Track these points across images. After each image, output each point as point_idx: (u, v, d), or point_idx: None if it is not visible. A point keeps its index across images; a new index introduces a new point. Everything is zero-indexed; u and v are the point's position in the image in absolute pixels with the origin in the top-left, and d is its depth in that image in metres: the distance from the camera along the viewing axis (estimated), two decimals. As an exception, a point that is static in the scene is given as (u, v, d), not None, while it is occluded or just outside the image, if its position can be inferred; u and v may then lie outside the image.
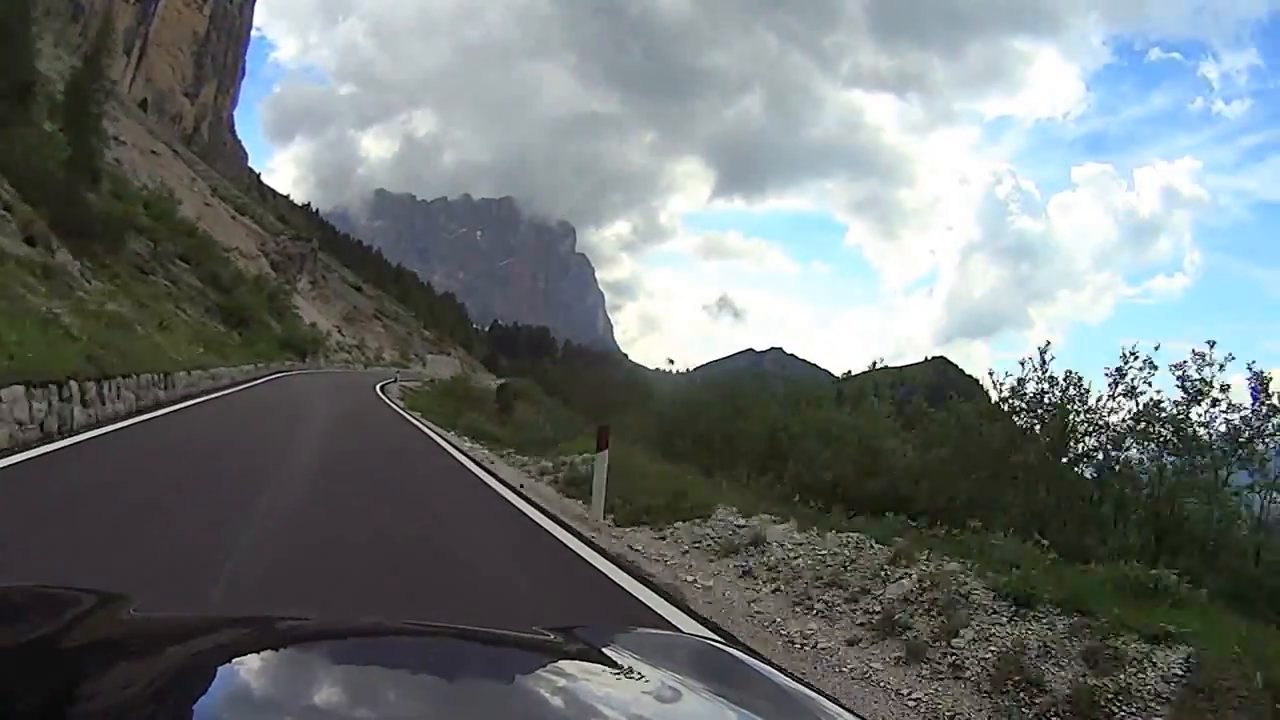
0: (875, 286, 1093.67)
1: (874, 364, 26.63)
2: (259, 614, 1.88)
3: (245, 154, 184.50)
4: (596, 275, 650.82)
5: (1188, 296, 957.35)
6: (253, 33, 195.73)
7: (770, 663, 1.81)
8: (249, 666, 1.32)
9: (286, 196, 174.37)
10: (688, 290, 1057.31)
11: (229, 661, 1.36)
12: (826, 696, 1.54)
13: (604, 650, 1.57)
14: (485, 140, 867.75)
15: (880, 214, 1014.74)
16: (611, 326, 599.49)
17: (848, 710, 1.52)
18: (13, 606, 1.58)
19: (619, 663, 1.49)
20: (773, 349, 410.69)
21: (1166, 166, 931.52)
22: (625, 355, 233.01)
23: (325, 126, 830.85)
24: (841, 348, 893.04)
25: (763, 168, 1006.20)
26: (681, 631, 5.23)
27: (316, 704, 1.19)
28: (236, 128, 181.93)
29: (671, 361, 44.04)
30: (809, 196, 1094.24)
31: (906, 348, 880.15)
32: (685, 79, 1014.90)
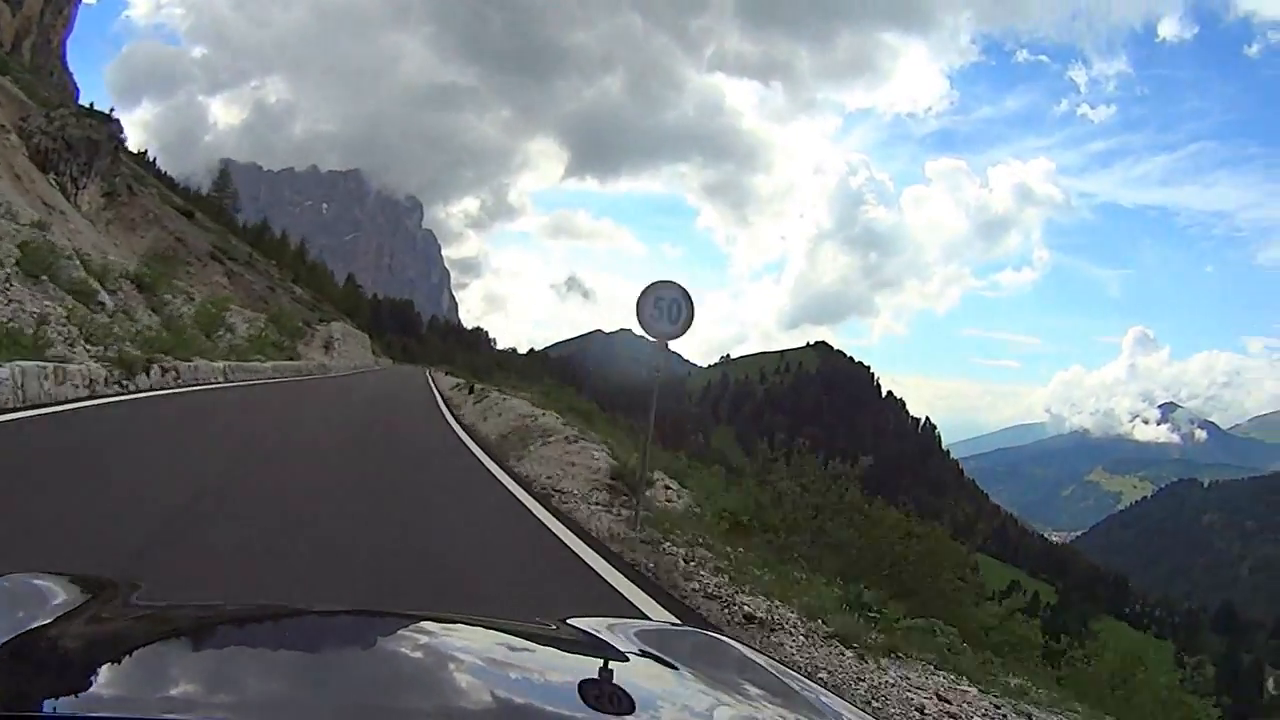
0: (725, 271, 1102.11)
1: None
2: (267, 603, 1.88)
3: (77, 90, 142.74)
4: (443, 252, 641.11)
5: (1034, 291, 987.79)
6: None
7: (767, 654, 1.84)
8: (251, 655, 1.36)
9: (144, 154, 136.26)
10: (536, 269, 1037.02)
11: (229, 648, 1.40)
12: (825, 686, 1.64)
13: (600, 639, 1.66)
14: (337, 110, 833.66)
15: (734, 199, 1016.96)
16: (456, 305, 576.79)
17: (846, 701, 1.61)
18: (16, 594, 1.56)
19: (617, 651, 1.56)
20: (622, 330, 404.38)
21: (1021, 166, 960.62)
22: (486, 333, 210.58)
23: (174, 90, 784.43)
24: (690, 330, 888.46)
25: (618, 149, 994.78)
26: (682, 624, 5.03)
27: (321, 692, 1.19)
28: (70, 66, 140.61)
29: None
30: (662, 179, 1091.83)
31: (753, 331, 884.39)
32: (546, 56, 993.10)
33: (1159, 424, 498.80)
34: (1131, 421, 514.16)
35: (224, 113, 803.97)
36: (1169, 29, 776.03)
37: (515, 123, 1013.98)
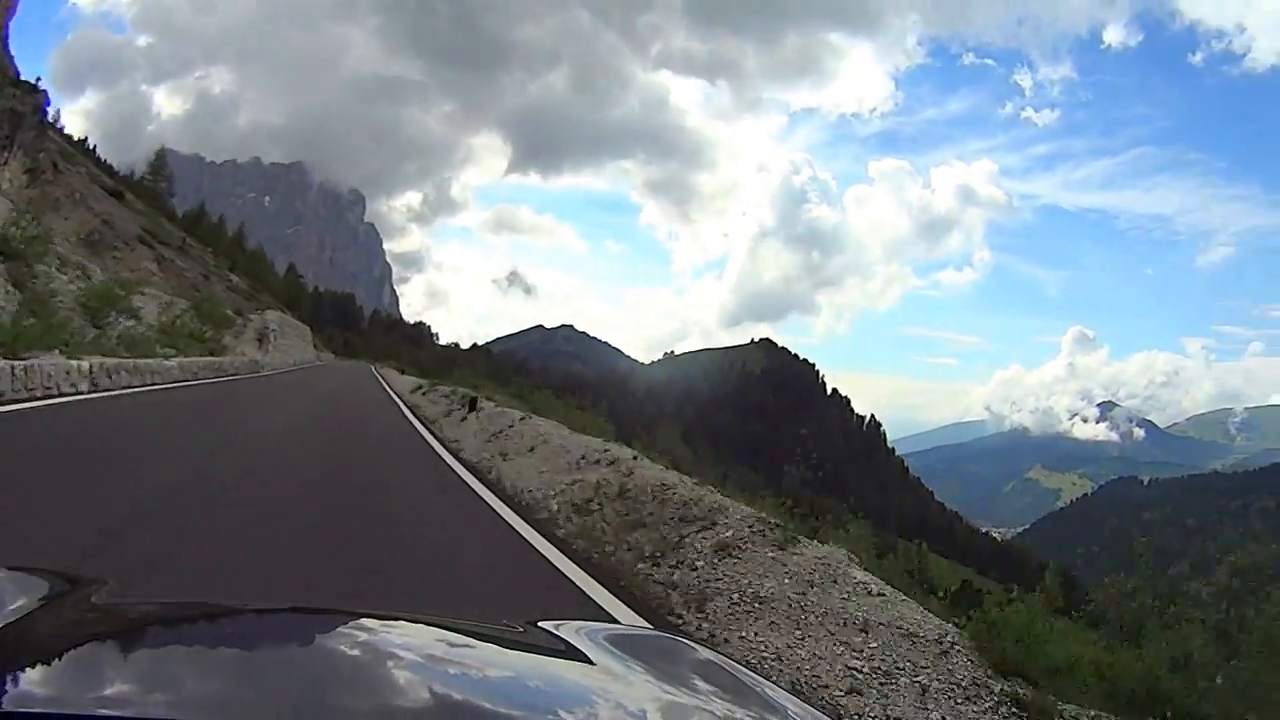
0: (666, 268, 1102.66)
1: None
2: (234, 602, 1.83)
3: (17, 72, 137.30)
4: (385, 246, 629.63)
5: (975, 291, 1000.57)
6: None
7: (729, 656, 1.84)
8: (217, 655, 1.35)
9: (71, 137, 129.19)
10: (477, 264, 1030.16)
11: (169, 647, 1.39)
12: (786, 689, 1.61)
13: (556, 640, 1.65)
14: (282, 102, 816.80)
15: (677, 197, 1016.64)
16: (398, 299, 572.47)
17: (807, 704, 1.61)
18: None
19: (577, 651, 1.55)
20: (563, 326, 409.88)
21: (964, 167, 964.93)
22: (430, 328, 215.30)
23: (118, 79, 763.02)
24: (631, 327, 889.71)
25: (561, 144, 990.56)
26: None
27: (260, 690, 1.19)
28: (11, 47, 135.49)
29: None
30: (606, 176, 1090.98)
31: (694, 329, 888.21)
32: (492, 50, 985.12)
33: (1098, 422, 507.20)
34: (1070, 420, 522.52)
35: (168, 103, 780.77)
36: (1114, 36, 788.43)
37: (460, 117, 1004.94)
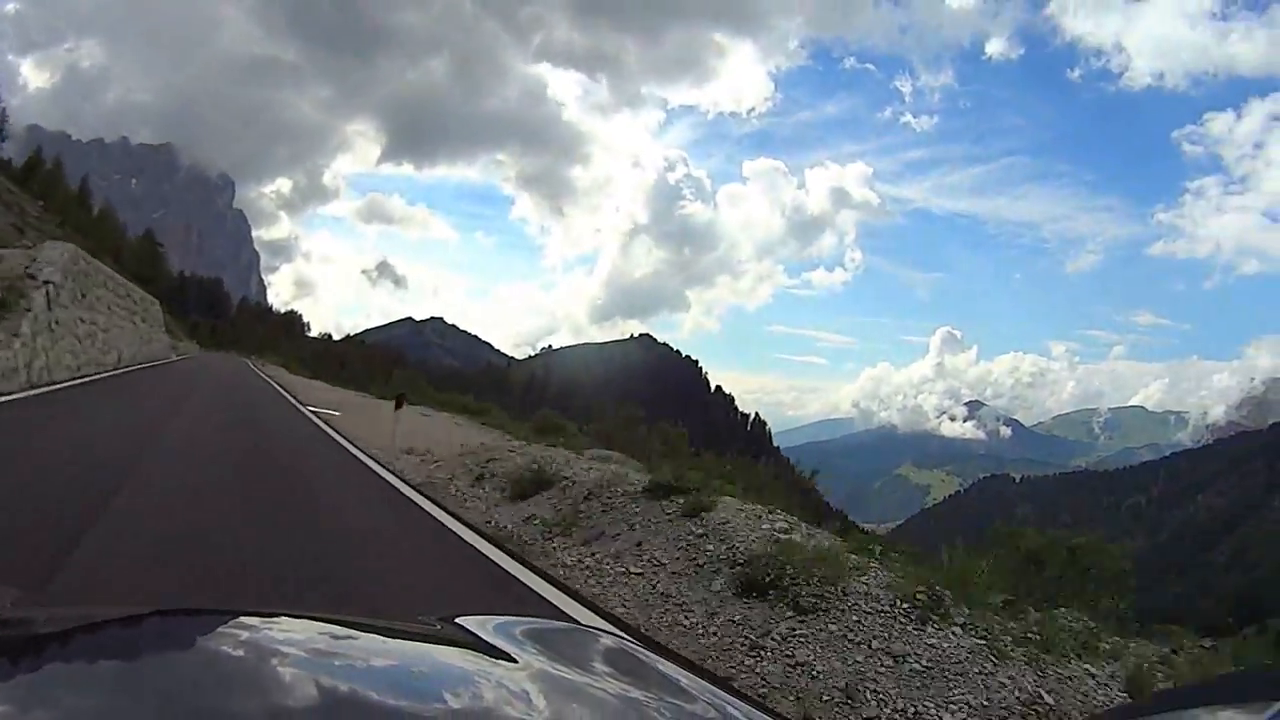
0: (537, 262, 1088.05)
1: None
2: (115, 608, 1.76)
3: None
4: (253, 233, 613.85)
5: (845, 291, 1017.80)
6: None
7: (675, 657, 1.99)
8: (95, 667, 1.31)
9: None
10: (347, 254, 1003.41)
11: (72, 661, 1.35)
12: (732, 692, 1.62)
13: (487, 638, 1.61)
14: (153, 79, 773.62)
15: (550, 190, 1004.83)
16: (265, 288, 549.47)
17: (754, 706, 1.60)
18: None
19: (504, 650, 1.52)
20: (433, 319, 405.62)
21: (839, 169, 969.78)
22: (301, 317, 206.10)
23: None
24: (500, 320, 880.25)
25: (436, 134, 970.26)
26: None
27: (143, 699, 1.15)
28: None
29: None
30: (479, 167, 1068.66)
31: (563, 324, 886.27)
32: (371, 35, 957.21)
33: (965, 420, 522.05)
34: (938, 418, 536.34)
35: (35, 75, 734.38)
36: (996, 47, 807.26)
37: (335, 102, 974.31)
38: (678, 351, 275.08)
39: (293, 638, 1.44)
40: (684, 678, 1.53)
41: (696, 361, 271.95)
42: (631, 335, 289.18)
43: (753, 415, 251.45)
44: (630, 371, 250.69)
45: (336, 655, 1.38)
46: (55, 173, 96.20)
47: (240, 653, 1.35)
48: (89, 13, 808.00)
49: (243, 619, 1.51)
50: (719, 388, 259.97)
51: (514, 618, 1.86)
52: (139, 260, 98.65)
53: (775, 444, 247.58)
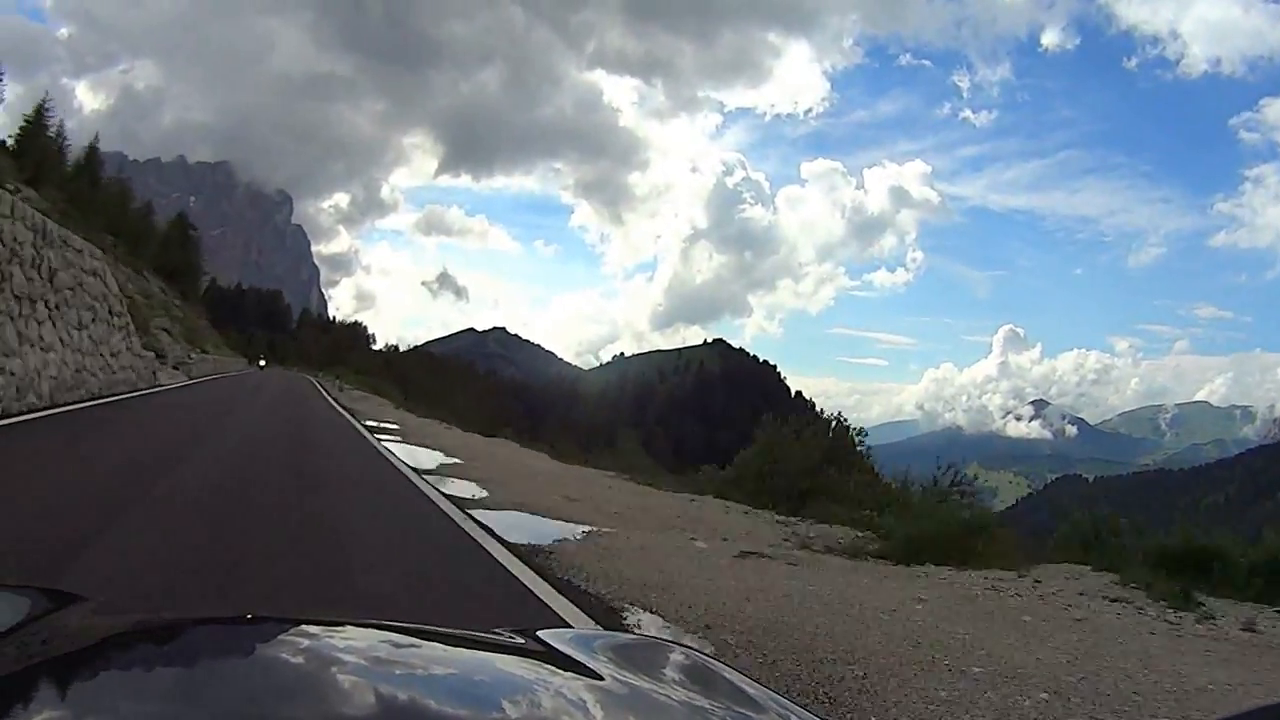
0: (597, 269, 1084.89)
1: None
2: (180, 615, 1.83)
3: None
4: (313, 248, 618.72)
5: (907, 291, 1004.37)
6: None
7: (740, 670, 1.80)
8: (157, 674, 1.34)
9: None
10: (407, 267, 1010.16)
11: (164, 666, 1.38)
12: (798, 704, 1.61)
13: (564, 652, 1.61)
14: (208, 98, 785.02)
15: (608, 197, 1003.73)
16: (326, 302, 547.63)
17: (809, 712, 1.60)
18: None
19: (581, 664, 1.52)
20: (495, 329, 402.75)
21: (897, 168, 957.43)
22: (365, 328, 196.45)
23: (35, 72, 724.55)
24: (561, 329, 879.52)
25: (493, 144, 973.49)
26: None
27: (199, 708, 1.17)
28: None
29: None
30: (537, 176, 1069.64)
31: (625, 331, 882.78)
32: (424, 48, 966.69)
33: (1031, 420, 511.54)
34: (1004, 418, 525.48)
35: (89, 97, 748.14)
36: (1052, 39, 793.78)
37: (390, 116, 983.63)
38: (754, 357, 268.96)
39: (353, 645, 1.46)
40: (753, 689, 1.54)
41: (775, 366, 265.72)
42: (705, 341, 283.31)
43: (834, 420, 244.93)
44: (705, 378, 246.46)
45: (397, 664, 1.38)
46: (59, 135, 68.26)
47: (299, 660, 1.38)
48: (141, 35, 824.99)
49: (304, 627, 1.53)
50: (799, 393, 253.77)
51: (593, 631, 1.90)
52: (164, 247, 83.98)
53: (866, 449, 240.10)
